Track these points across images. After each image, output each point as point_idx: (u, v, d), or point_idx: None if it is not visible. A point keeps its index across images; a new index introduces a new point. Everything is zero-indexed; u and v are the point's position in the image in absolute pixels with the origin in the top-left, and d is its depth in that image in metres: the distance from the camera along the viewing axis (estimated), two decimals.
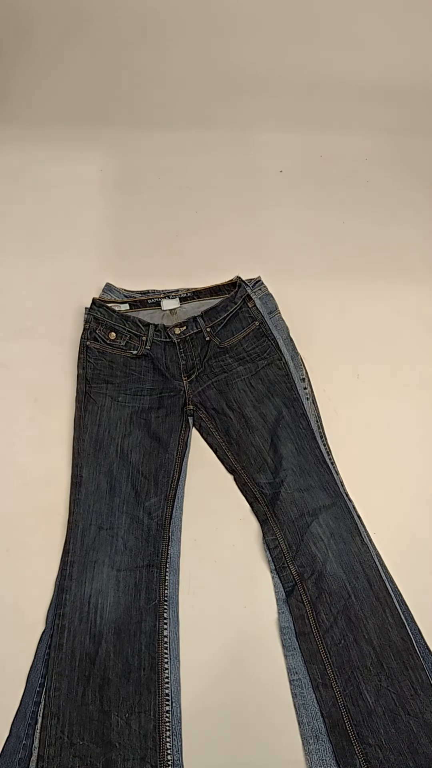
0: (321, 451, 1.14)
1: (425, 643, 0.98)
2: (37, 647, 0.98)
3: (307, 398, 1.21)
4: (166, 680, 0.94)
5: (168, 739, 0.89)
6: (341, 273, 1.47)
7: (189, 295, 1.28)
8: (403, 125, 1.77)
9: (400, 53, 1.69)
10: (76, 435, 1.15)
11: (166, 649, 0.96)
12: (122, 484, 1.10)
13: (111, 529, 1.07)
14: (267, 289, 1.32)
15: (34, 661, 0.96)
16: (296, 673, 0.96)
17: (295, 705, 0.94)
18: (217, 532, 1.10)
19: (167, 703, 0.92)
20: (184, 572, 1.05)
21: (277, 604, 1.03)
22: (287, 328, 1.29)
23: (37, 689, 0.93)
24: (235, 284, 1.27)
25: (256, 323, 1.24)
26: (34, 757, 0.88)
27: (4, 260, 1.43)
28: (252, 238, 1.51)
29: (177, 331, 1.22)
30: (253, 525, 1.11)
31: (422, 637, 0.99)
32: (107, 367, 1.20)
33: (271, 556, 1.06)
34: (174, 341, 1.22)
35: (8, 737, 0.90)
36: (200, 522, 1.11)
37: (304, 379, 1.24)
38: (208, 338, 1.22)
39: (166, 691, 0.93)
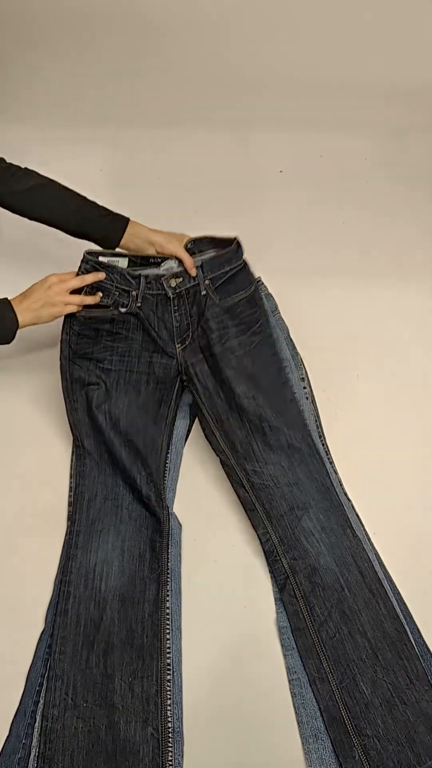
0: (312, 444, 1.12)
1: (420, 633, 0.99)
2: (37, 647, 0.98)
3: (307, 398, 1.21)
4: (168, 649, 0.95)
5: (169, 707, 0.90)
6: (341, 273, 1.47)
7: (190, 247, 1.19)
8: (403, 125, 1.77)
9: (400, 53, 1.68)
10: (69, 407, 1.13)
11: (168, 619, 0.97)
12: (121, 454, 1.10)
13: (116, 499, 1.08)
14: (267, 289, 1.31)
15: (33, 660, 0.96)
16: (295, 672, 0.96)
17: (294, 704, 0.94)
18: (217, 532, 1.10)
19: (169, 671, 0.93)
20: (185, 573, 1.05)
21: (275, 604, 1.03)
22: (287, 328, 1.29)
23: (37, 689, 0.93)
24: (233, 241, 1.20)
25: (252, 288, 1.19)
26: (33, 757, 0.88)
27: (4, 260, 1.43)
28: (252, 238, 1.51)
29: (173, 283, 1.12)
30: None
31: (416, 626, 0.99)
32: (92, 336, 1.14)
33: (263, 549, 1.06)
34: (168, 295, 1.12)
35: (8, 737, 0.90)
36: (200, 522, 1.11)
37: (303, 378, 1.24)
38: (204, 292, 1.14)
39: (168, 660, 0.94)
